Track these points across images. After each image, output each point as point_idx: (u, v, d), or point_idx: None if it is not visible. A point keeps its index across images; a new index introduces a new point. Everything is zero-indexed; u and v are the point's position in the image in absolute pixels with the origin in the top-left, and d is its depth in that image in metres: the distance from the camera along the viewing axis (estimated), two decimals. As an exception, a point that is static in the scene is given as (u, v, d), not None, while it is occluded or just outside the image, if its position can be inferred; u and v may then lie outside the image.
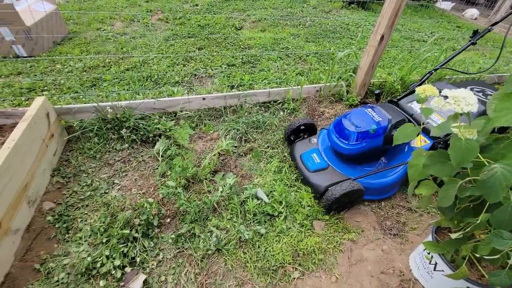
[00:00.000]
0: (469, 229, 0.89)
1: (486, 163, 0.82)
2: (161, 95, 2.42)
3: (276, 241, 1.50)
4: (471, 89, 1.92)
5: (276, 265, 1.40)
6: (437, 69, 1.95)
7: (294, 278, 1.37)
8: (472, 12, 6.39)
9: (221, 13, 4.51)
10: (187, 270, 1.36)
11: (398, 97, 2.01)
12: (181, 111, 2.19)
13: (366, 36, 4.16)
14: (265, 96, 2.39)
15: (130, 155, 1.92)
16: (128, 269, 1.31)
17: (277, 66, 3.11)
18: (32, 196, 1.51)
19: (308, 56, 3.40)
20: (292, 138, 2.03)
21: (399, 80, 2.66)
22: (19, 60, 2.85)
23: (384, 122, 1.58)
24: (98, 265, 1.31)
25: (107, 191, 1.68)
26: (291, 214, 1.62)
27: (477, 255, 0.90)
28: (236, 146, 2.03)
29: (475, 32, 1.83)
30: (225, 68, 2.98)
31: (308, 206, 1.65)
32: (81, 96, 2.26)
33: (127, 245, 1.39)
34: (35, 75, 2.61)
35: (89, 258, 1.31)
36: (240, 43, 3.59)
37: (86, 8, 4.24)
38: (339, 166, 1.72)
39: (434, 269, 1.23)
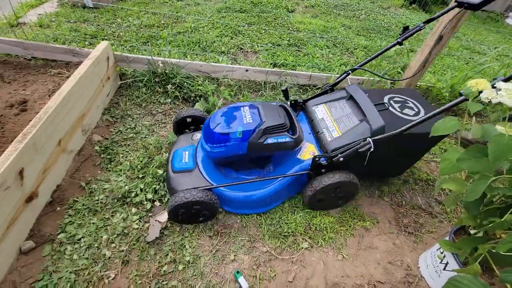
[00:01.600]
0: (491, 225, 0.89)
1: (525, 163, 0.82)
2: (207, 61, 2.52)
3: (291, 212, 1.57)
4: (390, 99, 1.59)
5: (288, 232, 1.48)
6: (355, 69, 1.68)
7: (303, 248, 1.44)
8: (549, 33, 5.72)
9: (276, -6, 4.48)
10: (207, 218, 1.48)
11: (307, 98, 1.75)
12: (224, 78, 2.28)
13: (421, 39, 3.93)
14: (306, 78, 2.41)
15: (171, 109, 2.07)
16: (157, 204, 1.47)
17: (323, 53, 3.08)
18: (86, 126, 1.70)
19: (356, 49, 3.32)
20: (181, 130, 1.76)
21: (449, 87, 2.53)
22: (85, 10, 3.10)
23: (251, 126, 1.29)
24: (133, 195, 1.48)
25: (147, 136, 1.84)
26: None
27: (493, 251, 0.90)
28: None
29: (405, 29, 1.56)
30: (271, 46, 3.01)
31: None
32: (135, 50, 2.43)
33: (159, 184, 1.54)
34: (98, 25, 2.84)
35: (126, 187, 1.49)
36: (290, 25, 3.58)
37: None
38: (209, 170, 1.47)
39: (444, 269, 1.24)
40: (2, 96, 1.80)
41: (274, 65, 2.66)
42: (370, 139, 1.29)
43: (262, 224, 1.50)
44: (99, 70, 1.81)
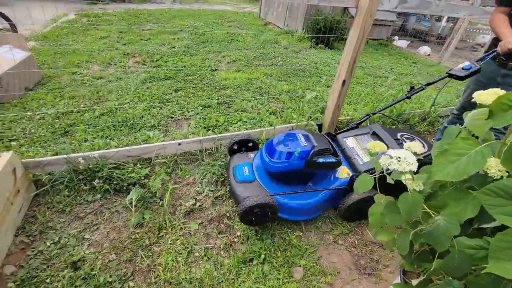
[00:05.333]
0: (427, 273, 0.96)
1: (432, 214, 0.92)
2: (136, 140, 2.43)
3: (254, 290, 1.48)
4: (402, 136, 2.16)
5: (254, 318, 1.37)
6: (375, 113, 2.20)
7: (273, 331, 1.34)
8: (425, 49, 7.17)
9: (198, 55, 4.73)
10: (161, 333, 1.30)
11: (337, 132, 2.25)
12: (157, 157, 2.20)
13: (333, 74, 4.50)
14: (240, 138, 2.47)
15: (102, 206, 1.87)
16: None
17: (252, 105, 3.26)
18: (-8, 261, 1.41)
19: (281, 95, 3.61)
20: (234, 148, 2.14)
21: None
22: (-14, 108, 2.78)
23: (308, 148, 1.71)
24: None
25: (76, 248, 1.60)
26: (268, 260, 1.62)
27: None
28: (212, 190, 2.05)
29: (411, 88, 2.08)
30: (201, 109, 3.08)
31: (284, 249, 1.67)
32: (50, 148, 2.22)
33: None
34: (4, 124, 2.55)
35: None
36: (216, 84, 3.75)
37: (62, 52, 4.30)
38: (266, 182, 1.82)
39: (406, 310, 1.27)
40: None
41: (207, 129, 2.70)
42: None
43: (225, 318, 1.37)
44: (2, 188, 1.57)
